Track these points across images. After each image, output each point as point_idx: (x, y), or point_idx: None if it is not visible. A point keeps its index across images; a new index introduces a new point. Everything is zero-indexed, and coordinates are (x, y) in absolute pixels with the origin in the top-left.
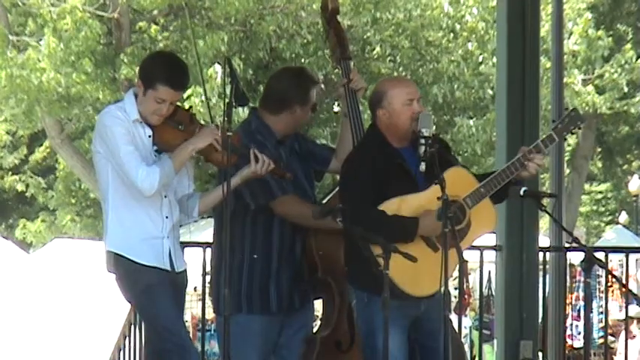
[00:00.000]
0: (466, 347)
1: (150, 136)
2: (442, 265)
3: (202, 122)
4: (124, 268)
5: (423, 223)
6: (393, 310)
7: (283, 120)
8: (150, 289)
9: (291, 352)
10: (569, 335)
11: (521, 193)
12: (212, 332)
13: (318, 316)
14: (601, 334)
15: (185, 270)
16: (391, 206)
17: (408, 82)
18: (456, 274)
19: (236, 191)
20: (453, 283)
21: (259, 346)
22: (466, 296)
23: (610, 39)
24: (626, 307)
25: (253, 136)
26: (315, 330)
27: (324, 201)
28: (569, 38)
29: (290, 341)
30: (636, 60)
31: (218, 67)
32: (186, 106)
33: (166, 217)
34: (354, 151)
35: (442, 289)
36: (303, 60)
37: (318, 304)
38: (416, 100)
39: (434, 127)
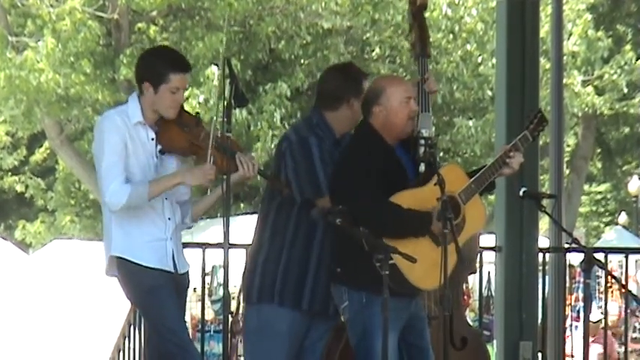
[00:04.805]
0: None
1: (153, 139)
2: (441, 265)
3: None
4: (127, 270)
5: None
6: (390, 311)
7: (342, 115)
8: (154, 290)
9: (315, 357)
10: (568, 336)
11: (521, 193)
12: (212, 333)
13: None
14: None
15: (187, 271)
16: (399, 200)
17: (405, 81)
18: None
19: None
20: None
21: (286, 342)
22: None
23: (610, 40)
24: (626, 308)
25: (314, 129)
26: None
27: None
28: (568, 39)
29: (314, 346)
30: (636, 61)
31: (215, 68)
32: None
33: (169, 219)
34: (352, 148)
35: (443, 290)
36: (302, 61)
37: None
38: (413, 98)
39: (433, 128)
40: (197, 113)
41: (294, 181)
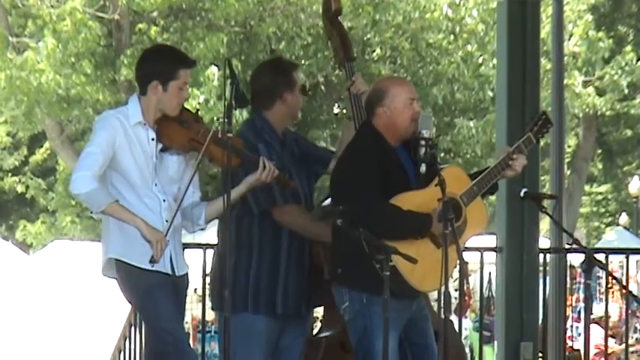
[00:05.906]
0: (466, 349)
1: (153, 139)
2: (442, 267)
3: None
4: (125, 271)
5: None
6: (392, 311)
7: (279, 111)
8: (151, 292)
9: (292, 357)
10: (569, 337)
11: (522, 194)
12: (212, 334)
13: (318, 318)
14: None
15: (186, 273)
16: (400, 201)
17: (408, 82)
18: (456, 275)
19: (242, 195)
20: (453, 285)
21: (263, 347)
22: (466, 298)
23: (610, 40)
24: (627, 309)
25: (261, 135)
26: (316, 331)
27: (325, 203)
28: (569, 40)
29: (290, 346)
30: (637, 61)
31: (215, 69)
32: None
33: (166, 221)
34: (354, 148)
35: (442, 290)
36: (302, 61)
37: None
38: (416, 100)
39: (434, 129)
40: (197, 110)
41: (250, 194)
